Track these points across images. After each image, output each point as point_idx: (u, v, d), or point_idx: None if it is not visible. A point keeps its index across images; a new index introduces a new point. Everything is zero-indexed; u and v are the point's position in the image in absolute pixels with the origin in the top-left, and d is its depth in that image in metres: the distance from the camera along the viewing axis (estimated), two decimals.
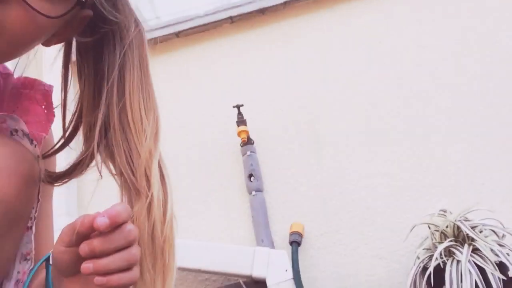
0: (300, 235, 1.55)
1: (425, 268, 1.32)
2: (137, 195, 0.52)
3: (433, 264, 1.28)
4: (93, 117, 0.56)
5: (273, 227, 1.63)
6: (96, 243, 0.45)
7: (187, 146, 1.80)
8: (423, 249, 1.42)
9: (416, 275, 1.34)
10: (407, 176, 1.63)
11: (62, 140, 0.60)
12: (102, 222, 0.44)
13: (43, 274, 0.56)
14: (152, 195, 0.52)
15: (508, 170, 1.59)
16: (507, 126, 1.63)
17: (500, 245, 1.29)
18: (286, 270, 1.45)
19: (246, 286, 1.50)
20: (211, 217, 1.69)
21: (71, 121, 0.59)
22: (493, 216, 1.38)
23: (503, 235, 1.35)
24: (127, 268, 0.47)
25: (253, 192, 1.65)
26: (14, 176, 0.51)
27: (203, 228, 1.67)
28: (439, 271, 1.27)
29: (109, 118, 0.55)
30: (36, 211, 0.59)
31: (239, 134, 1.71)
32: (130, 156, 0.54)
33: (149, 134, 0.54)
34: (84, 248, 0.45)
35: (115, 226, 0.45)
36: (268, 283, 1.44)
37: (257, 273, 1.46)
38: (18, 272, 0.60)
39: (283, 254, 1.49)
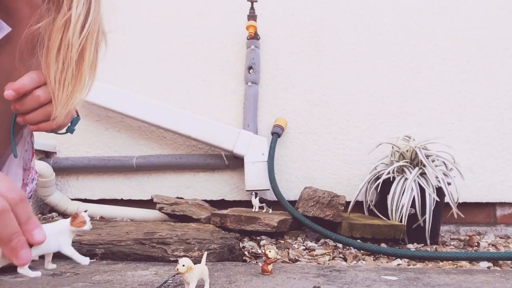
0: (282, 128, 1.73)
1: (378, 178, 1.54)
2: (55, 9, 0.61)
3: (385, 176, 1.49)
4: None
5: (260, 116, 1.80)
6: (16, 106, 0.61)
7: (196, 26, 1.87)
8: (382, 163, 1.63)
9: (369, 182, 1.56)
10: (388, 101, 1.79)
11: None
12: (9, 94, 0.59)
13: None
14: (71, 15, 0.61)
15: (480, 118, 1.76)
16: (493, 79, 1.77)
17: (445, 175, 1.51)
18: (263, 154, 1.66)
19: (227, 158, 1.72)
20: (208, 96, 1.83)
21: None
22: (449, 151, 1.58)
23: (451, 169, 1.55)
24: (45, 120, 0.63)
25: (249, 83, 1.78)
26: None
27: (199, 103, 1.82)
28: (388, 183, 1.48)
29: None
30: None
31: (247, 28, 1.78)
32: None
33: None
34: (12, 108, 0.61)
35: (23, 94, 0.60)
36: (245, 160, 1.65)
37: (238, 150, 1.66)
38: None
39: (263, 141, 1.68)
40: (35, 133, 0.79)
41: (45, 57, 0.63)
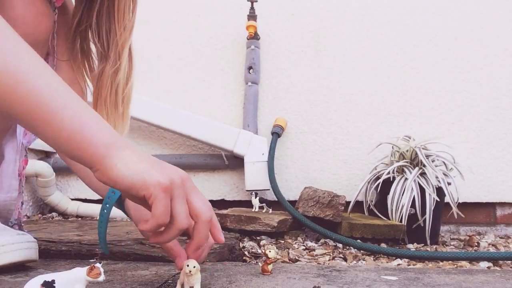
0: (282, 128, 1.73)
1: (378, 178, 1.54)
2: (106, 60, 0.78)
3: (385, 176, 1.49)
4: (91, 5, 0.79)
5: (260, 116, 1.80)
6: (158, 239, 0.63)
7: (196, 27, 1.87)
8: (382, 163, 1.64)
9: (369, 182, 1.56)
10: (388, 101, 1.79)
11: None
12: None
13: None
14: (120, 65, 0.78)
15: (480, 118, 1.76)
16: (495, 79, 1.77)
17: (445, 175, 1.51)
18: (263, 154, 1.66)
19: (227, 158, 1.72)
20: (207, 96, 1.83)
21: None
22: (449, 151, 1.58)
23: (451, 169, 1.55)
24: None
25: (249, 83, 1.78)
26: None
27: (199, 103, 1.82)
28: (388, 183, 1.48)
29: (101, 6, 0.78)
30: (54, 38, 0.79)
31: (247, 28, 1.78)
32: (108, 34, 0.78)
33: (128, 27, 0.79)
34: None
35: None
36: (245, 160, 1.65)
37: (238, 150, 1.66)
38: None
39: (263, 141, 1.68)
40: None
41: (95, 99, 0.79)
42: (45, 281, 0.49)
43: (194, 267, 0.60)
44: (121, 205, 0.71)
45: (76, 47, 0.81)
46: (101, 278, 0.51)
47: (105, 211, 0.67)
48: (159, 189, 0.51)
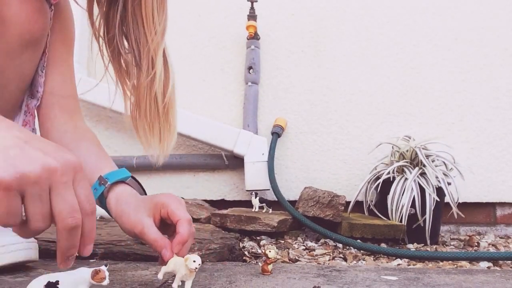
0: (282, 128, 1.73)
1: (378, 178, 1.54)
2: (139, 69, 0.72)
3: (385, 176, 1.49)
4: (112, 10, 0.73)
5: (260, 116, 1.80)
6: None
7: (196, 27, 1.87)
8: (382, 163, 1.64)
9: (369, 182, 1.56)
10: (388, 101, 1.79)
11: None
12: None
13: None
14: (155, 73, 0.72)
15: (480, 118, 1.76)
16: (494, 78, 1.77)
17: (445, 175, 1.51)
18: (263, 154, 1.66)
19: (227, 159, 1.72)
20: (207, 96, 1.83)
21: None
22: (449, 151, 1.58)
23: (451, 169, 1.55)
24: None
25: (249, 83, 1.78)
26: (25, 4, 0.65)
27: (199, 103, 1.82)
28: (388, 183, 1.48)
29: (125, 12, 0.72)
30: (48, 35, 0.74)
31: (247, 28, 1.78)
32: (138, 41, 0.72)
33: (159, 31, 0.74)
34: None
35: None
36: (245, 160, 1.65)
37: (238, 150, 1.66)
38: (26, 106, 0.74)
39: (263, 141, 1.68)
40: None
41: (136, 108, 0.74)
42: (49, 282, 0.49)
43: (199, 264, 0.60)
44: (102, 202, 0.71)
45: (103, 55, 0.76)
46: (106, 282, 0.51)
47: None
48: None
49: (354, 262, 1.17)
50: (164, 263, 0.63)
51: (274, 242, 1.33)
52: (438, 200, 1.43)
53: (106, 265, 0.52)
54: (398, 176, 1.49)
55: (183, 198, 1.71)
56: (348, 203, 1.51)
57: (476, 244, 1.49)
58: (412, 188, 1.43)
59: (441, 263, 1.17)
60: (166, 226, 0.68)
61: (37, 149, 0.42)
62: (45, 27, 0.71)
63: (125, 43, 0.73)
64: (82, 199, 0.44)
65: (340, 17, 1.83)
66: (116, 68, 0.76)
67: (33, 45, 0.69)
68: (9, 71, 0.66)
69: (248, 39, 1.80)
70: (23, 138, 0.43)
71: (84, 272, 0.51)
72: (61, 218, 0.43)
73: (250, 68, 1.78)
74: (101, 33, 0.74)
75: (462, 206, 1.58)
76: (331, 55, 1.82)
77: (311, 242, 1.35)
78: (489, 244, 1.48)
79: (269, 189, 1.63)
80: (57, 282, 0.49)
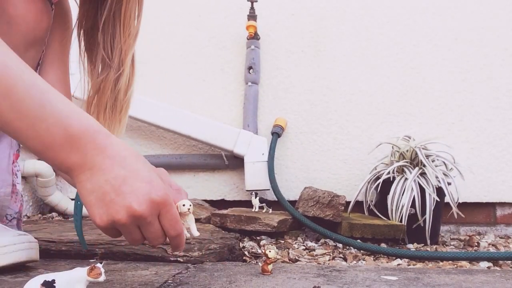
0: (282, 128, 1.73)
1: (378, 178, 1.54)
2: (109, 66, 0.78)
3: (385, 176, 1.49)
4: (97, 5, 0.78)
5: (260, 116, 1.80)
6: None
7: (196, 27, 1.87)
8: (382, 163, 1.64)
9: (369, 182, 1.56)
10: (388, 101, 1.79)
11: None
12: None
13: None
14: (123, 70, 0.79)
15: (480, 118, 1.76)
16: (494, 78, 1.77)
17: (445, 175, 1.51)
18: (263, 154, 1.66)
19: (227, 158, 1.72)
20: (207, 96, 1.83)
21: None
22: (449, 151, 1.58)
23: (451, 169, 1.55)
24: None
25: (249, 83, 1.78)
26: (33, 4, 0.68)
27: (199, 103, 1.82)
28: (388, 183, 1.48)
29: (107, 11, 0.77)
30: (48, 34, 0.77)
31: (247, 28, 1.78)
32: (112, 40, 0.79)
33: (133, 34, 0.80)
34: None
35: None
36: (245, 160, 1.65)
37: (238, 150, 1.66)
38: None
39: (263, 141, 1.68)
40: None
41: (97, 103, 0.79)
42: (45, 281, 0.49)
43: (191, 205, 0.61)
44: None
45: (81, 46, 0.81)
46: (102, 278, 0.51)
47: (79, 202, 0.66)
48: (100, 227, 0.53)
49: (354, 262, 1.17)
50: None
51: (274, 242, 1.33)
52: (438, 200, 1.43)
53: (101, 263, 0.52)
54: (398, 176, 1.49)
55: None
56: (348, 203, 1.51)
57: (476, 244, 1.49)
58: (412, 188, 1.43)
59: (441, 263, 1.17)
60: None
61: (120, 196, 0.52)
62: (48, 27, 0.72)
63: (101, 38, 0.78)
64: (167, 228, 0.55)
65: (340, 17, 1.83)
66: (90, 59, 0.81)
67: (36, 45, 0.70)
68: None
69: (248, 39, 1.80)
70: (116, 181, 0.53)
71: (80, 271, 0.52)
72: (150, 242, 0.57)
73: (250, 68, 1.78)
74: (83, 25, 0.80)
75: (462, 206, 1.58)
76: (331, 55, 1.82)
77: (311, 242, 1.35)
78: (489, 244, 1.48)
79: (269, 189, 1.63)
80: (53, 281, 0.49)
